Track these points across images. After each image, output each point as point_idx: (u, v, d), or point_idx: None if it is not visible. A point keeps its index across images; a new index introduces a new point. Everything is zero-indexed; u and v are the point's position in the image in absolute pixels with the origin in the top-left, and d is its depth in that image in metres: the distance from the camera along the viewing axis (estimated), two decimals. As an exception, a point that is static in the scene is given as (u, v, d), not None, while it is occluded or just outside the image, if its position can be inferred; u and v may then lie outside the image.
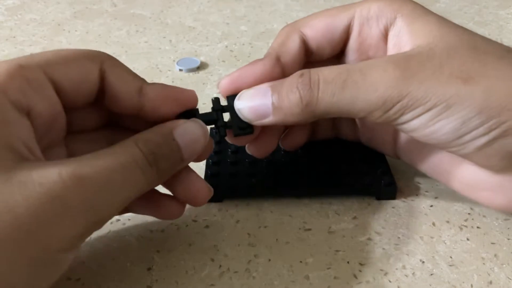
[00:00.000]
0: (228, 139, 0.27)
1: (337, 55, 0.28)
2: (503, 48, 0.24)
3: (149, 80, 0.24)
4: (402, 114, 0.23)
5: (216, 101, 0.26)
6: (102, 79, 0.23)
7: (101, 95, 0.23)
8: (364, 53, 0.27)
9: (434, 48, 0.23)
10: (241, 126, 0.25)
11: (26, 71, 0.20)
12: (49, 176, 0.18)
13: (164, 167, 0.22)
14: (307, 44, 0.27)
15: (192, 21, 0.56)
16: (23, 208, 0.17)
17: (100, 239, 0.27)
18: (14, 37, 0.52)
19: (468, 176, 0.26)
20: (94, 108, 0.24)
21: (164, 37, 0.52)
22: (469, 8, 0.57)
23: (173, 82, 0.43)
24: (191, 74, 0.45)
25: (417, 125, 0.23)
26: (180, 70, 0.45)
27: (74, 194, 0.18)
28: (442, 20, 0.25)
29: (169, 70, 0.45)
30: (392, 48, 0.26)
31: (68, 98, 0.22)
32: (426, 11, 0.25)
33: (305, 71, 0.24)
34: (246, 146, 0.28)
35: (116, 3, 0.61)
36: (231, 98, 0.26)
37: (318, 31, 0.27)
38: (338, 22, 0.27)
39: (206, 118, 0.25)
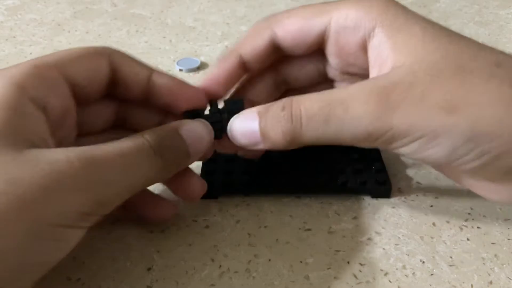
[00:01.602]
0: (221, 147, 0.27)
1: (314, 55, 0.28)
2: (491, 60, 0.22)
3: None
4: (390, 144, 0.23)
5: (214, 103, 0.27)
6: (113, 70, 0.24)
7: (112, 88, 0.25)
8: (344, 59, 0.27)
9: (416, 71, 0.22)
10: None
11: (42, 70, 0.22)
12: (56, 156, 0.19)
13: (170, 158, 0.23)
14: (277, 42, 0.27)
15: (192, 21, 0.56)
16: (27, 182, 0.18)
17: (100, 239, 0.27)
18: (14, 37, 0.52)
19: (470, 180, 0.25)
20: (104, 105, 0.26)
21: (164, 37, 0.52)
22: (469, 8, 0.57)
23: (173, 82, 0.43)
24: (191, 74, 0.45)
25: (408, 152, 0.23)
26: (180, 70, 0.45)
27: (80, 173, 0.19)
28: (426, 31, 0.23)
29: (169, 70, 0.45)
30: (374, 62, 0.25)
31: (81, 92, 0.24)
32: (408, 18, 0.24)
33: (286, 103, 0.23)
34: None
35: (116, 3, 0.61)
36: (228, 102, 0.27)
37: (289, 32, 0.27)
38: (312, 27, 0.26)
39: (212, 120, 0.26)
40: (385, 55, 0.24)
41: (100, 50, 0.24)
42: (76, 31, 0.54)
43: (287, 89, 0.30)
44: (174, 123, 0.24)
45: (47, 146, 0.21)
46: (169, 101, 0.26)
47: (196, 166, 0.32)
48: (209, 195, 0.30)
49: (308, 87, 0.29)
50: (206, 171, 0.30)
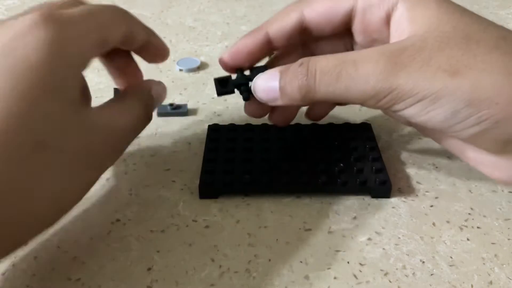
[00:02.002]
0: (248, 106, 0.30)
1: (341, 34, 0.29)
2: (499, 34, 0.24)
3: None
4: (394, 104, 0.24)
5: (240, 71, 0.29)
6: (128, 29, 0.27)
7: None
8: (369, 36, 0.28)
9: (427, 38, 0.24)
10: None
11: (88, 31, 0.24)
12: (107, 118, 0.25)
13: (151, 115, 0.29)
14: (305, 23, 0.28)
15: (192, 21, 0.56)
16: (89, 140, 0.23)
17: (101, 239, 0.27)
18: (14, 37, 0.52)
19: (471, 152, 0.26)
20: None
21: (164, 37, 0.51)
22: (469, 8, 0.57)
23: (173, 82, 0.43)
24: (191, 74, 0.45)
25: (410, 114, 0.24)
26: (180, 70, 0.45)
27: (115, 132, 0.26)
28: (441, 5, 0.25)
29: (169, 70, 0.45)
30: (394, 33, 0.26)
31: (104, 49, 0.26)
32: None
33: (305, 60, 0.25)
34: (268, 115, 0.31)
35: (116, 3, 0.61)
36: (253, 68, 0.29)
37: (318, 13, 0.28)
38: (340, 7, 0.27)
39: (238, 82, 0.29)
40: (404, 27, 0.25)
41: (122, 15, 0.28)
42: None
43: None
44: (148, 84, 0.29)
45: (84, 100, 0.25)
46: (152, 58, 0.30)
47: (197, 166, 0.32)
48: (210, 194, 0.30)
49: None
50: (206, 171, 0.30)
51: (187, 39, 0.51)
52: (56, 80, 0.21)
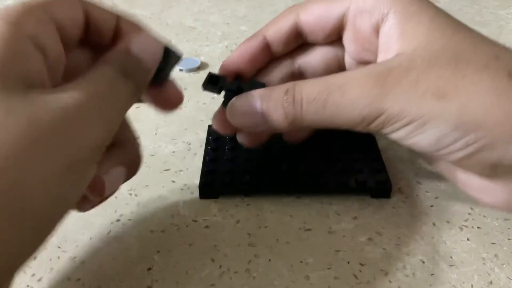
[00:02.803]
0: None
1: (333, 43, 0.29)
2: (491, 53, 0.23)
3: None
4: (382, 128, 0.24)
5: (238, 78, 0.28)
6: (86, 15, 0.23)
7: (85, 35, 0.24)
8: (360, 45, 0.27)
9: (415, 58, 0.23)
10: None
11: (31, 9, 0.21)
12: (64, 93, 0.19)
13: (139, 77, 0.23)
14: (300, 26, 0.28)
15: (192, 21, 0.56)
16: (46, 121, 0.18)
17: (101, 239, 0.27)
18: (14, 37, 0.52)
19: (461, 176, 0.26)
20: (82, 51, 0.25)
21: (165, 37, 0.52)
22: (469, 8, 0.57)
23: (173, 82, 0.43)
24: (191, 74, 0.45)
25: (398, 137, 0.24)
26: (180, 70, 0.45)
27: (88, 106, 0.20)
28: (434, 20, 0.24)
29: (169, 70, 0.45)
30: (382, 46, 0.25)
31: (65, 36, 0.22)
32: (421, 6, 0.25)
33: (290, 87, 0.24)
34: (237, 134, 0.29)
35: (117, 3, 0.61)
36: (251, 80, 0.28)
37: (312, 16, 0.27)
38: (333, 11, 0.27)
39: (229, 87, 0.27)
40: (393, 41, 0.25)
41: None
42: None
43: None
44: (123, 43, 0.23)
45: (40, 84, 0.20)
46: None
47: (197, 166, 0.32)
48: (210, 194, 0.30)
49: None
50: (206, 171, 0.30)
51: (187, 39, 0.51)
52: None
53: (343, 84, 0.23)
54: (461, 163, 0.24)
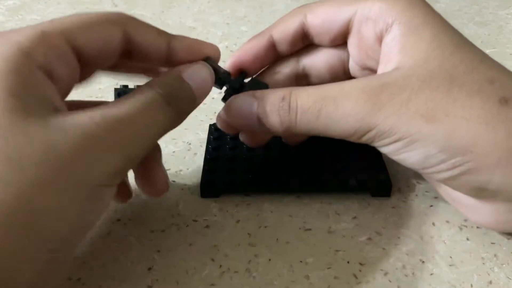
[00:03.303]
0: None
1: (339, 47, 0.29)
2: (486, 76, 0.23)
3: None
4: (372, 142, 0.24)
5: (242, 74, 0.28)
6: (127, 41, 0.23)
7: (126, 57, 0.24)
8: (363, 52, 0.27)
9: (410, 76, 0.23)
10: None
11: (48, 37, 0.20)
12: (82, 119, 0.19)
13: (181, 106, 0.23)
14: (307, 28, 0.28)
15: (192, 21, 0.56)
16: (64, 148, 0.18)
17: (101, 239, 0.27)
18: (14, 37, 0.52)
19: (452, 193, 0.26)
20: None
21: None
22: (469, 8, 0.57)
23: (173, 82, 0.43)
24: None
25: (388, 152, 0.24)
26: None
27: (107, 132, 0.20)
28: (436, 37, 0.24)
29: (170, 71, 0.45)
30: (383, 57, 0.26)
31: (90, 62, 0.23)
32: (426, 20, 0.24)
33: (286, 94, 0.25)
34: (240, 134, 0.29)
35: (117, 3, 0.61)
36: (254, 80, 0.28)
37: (319, 19, 0.27)
38: (339, 15, 0.27)
39: (231, 84, 0.27)
40: (393, 53, 0.25)
41: (113, 17, 0.23)
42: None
43: (307, 85, 0.30)
44: (176, 69, 0.24)
45: (55, 109, 0.20)
46: (190, 60, 0.25)
47: (197, 166, 0.32)
48: (211, 193, 0.30)
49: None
50: (207, 170, 0.30)
51: (187, 39, 0.51)
52: None
53: (338, 96, 0.24)
54: (447, 183, 0.25)
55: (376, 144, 0.24)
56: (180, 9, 0.59)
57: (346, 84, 0.24)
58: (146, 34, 0.24)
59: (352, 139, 0.24)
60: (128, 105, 0.21)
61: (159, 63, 0.25)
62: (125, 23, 0.23)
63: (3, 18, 0.57)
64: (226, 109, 0.26)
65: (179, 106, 0.23)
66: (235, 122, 0.27)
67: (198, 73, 0.24)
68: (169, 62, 0.25)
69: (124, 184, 0.28)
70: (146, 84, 0.23)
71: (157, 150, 0.27)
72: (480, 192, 0.23)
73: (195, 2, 0.61)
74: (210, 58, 0.26)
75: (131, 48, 0.23)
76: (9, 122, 0.18)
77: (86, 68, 0.23)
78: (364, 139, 0.24)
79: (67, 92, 0.23)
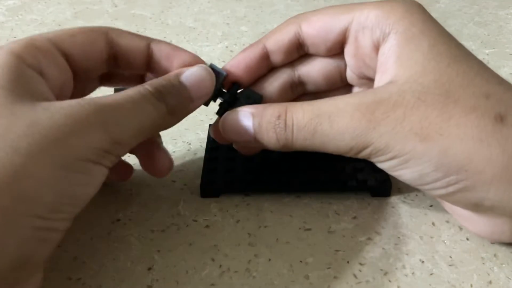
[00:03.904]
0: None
1: (335, 56, 0.28)
2: (481, 91, 0.23)
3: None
4: (369, 158, 0.24)
5: (235, 86, 0.28)
6: (111, 46, 0.25)
7: (113, 65, 0.26)
8: (360, 60, 0.27)
9: (405, 92, 0.23)
10: None
11: (37, 42, 0.23)
12: (68, 103, 0.21)
13: (172, 102, 0.24)
14: (302, 38, 0.28)
15: (192, 21, 0.56)
16: (46, 123, 0.20)
17: (101, 239, 0.27)
18: (15, 37, 0.53)
19: (445, 202, 0.26)
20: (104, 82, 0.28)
21: (165, 38, 0.52)
22: (469, 8, 0.57)
23: (173, 82, 0.43)
24: (191, 74, 0.45)
25: (384, 168, 0.25)
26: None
27: (93, 113, 0.21)
28: (433, 48, 0.24)
29: (170, 71, 0.45)
30: (380, 66, 0.25)
31: (79, 66, 0.25)
32: (423, 30, 0.24)
33: (281, 111, 0.25)
34: (234, 143, 0.29)
35: (117, 3, 0.61)
36: (248, 90, 0.28)
37: (314, 29, 0.27)
38: (335, 24, 0.27)
39: (224, 97, 0.27)
40: (390, 64, 0.24)
41: (95, 28, 0.26)
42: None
43: (303, 94, 0.30)
44: (175, 71, 0.26)
45: (42, 98, 0.22)
46: (168, 68, 0.27)
47: (197, 166, 0.32)
48: (211, 193, 0.30)
49: (327, 92, 0.30)
50: (207, 170, 0.30)
51: (187, 39, 0.51)
52: None
53: (332, 113, 0.24)
54: (444, 198, 0.25)
55: (373, 160, 0.25)
56: (180, 9, 0.59)
57: (341, 100, 0.24)
58: (127, 37, 0.26)
59: (350, 155, 0.25)
60: (117, 96, 0.22)
61: (142, 66, 0.26)
62: (107, 31, 0.26)
63: (3, 18, 0.57)
64: (221, 125, 0.26)
65: (171, 103, 0.24)
66: (230, 138, 0.27)
67: (195, 74, 0.25)
68: (151, 67, 0.26)
69: (122, 162, 0.29)
70: (139, 85, 0.24)
71: (155, 136, 0.28)
72: (476, 207, 0.24)
73: (195, 2, 0.61)
74: (214, 65, 0.27)
75: (115, 52, 0.26)
76: None
77: (79, 73, 0.25)
78: (362, 155, 0.24)
79: (60, 91, 0.24)
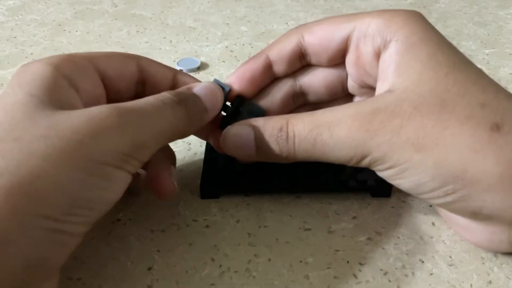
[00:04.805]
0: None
1: (338, 66, 0.28)
2: (478, 100, 0.23)
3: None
4: (370, 167, 0.25)
5: (238, 99, 0.28)
6: (141, 71, 0.27)
7: (141, 89, 0.27)
8: (361, 69, 0.27)
9: (402, 101, 0.23)
10: None
11: (74, 58, 0.24)
12: (91, 109, 0.21)
13: (191, 108, 0.25)
14: (304, 48, 0.28)
15: (192, 21, 0.56)
16: (65, 127, 0.20)
17: (101, 239, 0.27)
18: (15, 37, 0.53)
19: (446, 211, 0.26)
20: None
21: (165, 38, 0.52)
22: (468, 8, 0.57)
23: (173, 82, 0.43)
24: (191, 74, 0.45)
25: (384, 176, 0.25)
26: (181, 70, 0.45)
27: (114, 117, 0.21)
28: (432, 57, 0.24)
29: (170, 71, 0.45)
30: (380, 74, 0.26)
31: (112, 84, 0.26)
32: (423, 39, 0.24)
33: (283, 124, 0.25)
34: None
35: (117, 3, 0.61)
36: (251, 103, 0.28)
37: (316, 38, 0.27)
38: (337, 33, 0.27)
39: (227, 111, 0.28)
40: (389, 72, 0.25)
41: (128, 54, 0.27)
42: (76, 31, 0.54)
43: (304, 104, 0.30)
44: (186, 86, 0.27)
45: (70, 107, 0.22)
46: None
47: (197, 167, 0.32)
48: (211, 195, 0.30)
49: (328, 102, 0.30)
50: (207, 171, 0.30)
51: (187, 39, 0.51)
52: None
53: (332, 124, 0.24)
54: (443, 207, 0.25)
55: (374, 169, 0.25)
56: (180, 9, 0.59)
57: (339, 110, 0.24)
58: (157, 67, 0.28)
59: (352, 164, 0.25)
60: (137, 101, 0.23)
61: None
62: (138, 57, 0.27)
63: (3, 18, 0.57)
64: (223, 140, 0.27)
65: (189, 107, 0.25)
66: (232, 152, 0.27)
67: (206, 87, 0.26)
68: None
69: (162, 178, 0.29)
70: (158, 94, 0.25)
71: (168, 157, 0.29)
72: (475, 216, 0.24)
73: (195, 2, 0.61)
74: (217, 80, 0.27)
75: (145, 78, 0.27)
76: (21, 113, 0.20)
77: (111, 92, 0.26)
78: (363, 164, 0.24)
79: (91, 104, 0.24)
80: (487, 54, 0.47)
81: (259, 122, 0.26)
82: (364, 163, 0.24)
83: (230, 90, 0.28)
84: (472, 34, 0.51)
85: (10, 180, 0.18)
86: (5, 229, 0.18)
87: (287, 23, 0.55)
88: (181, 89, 0.26)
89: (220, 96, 0.27)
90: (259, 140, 0.26)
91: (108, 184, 0.21)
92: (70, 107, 0.22)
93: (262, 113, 0.28)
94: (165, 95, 0.24)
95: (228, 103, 0.28)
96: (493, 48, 0.48)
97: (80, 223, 0.21)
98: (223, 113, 0.28)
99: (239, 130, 0.26)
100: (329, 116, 0.24)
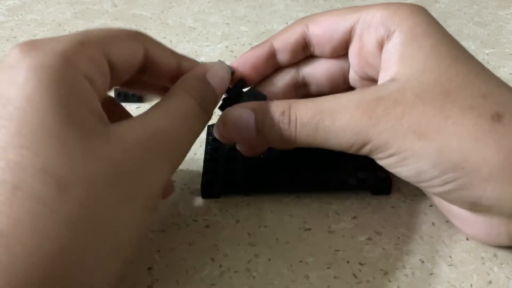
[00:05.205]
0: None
1: (341, 58, 0.29)
2: (480, 91, 0.23)
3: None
4: (370, 154, 0.25)
5: (240, 83, 0.28)
6: (146, 56, 0.25)
7: (140, 73, 0.25)
8: (364, 59, 0.27)
9: (405, 90, 0.23)
10: None
11: (88, 48, 0.21)
12: (136, 132, 0.21)
13: (211, 109, 0.25)
14: (308, 38, 0.28)
15: (192, 21, 0.56)
16: (124, 162, 0.19)
17: (101, 239, 0.27)
18: (15, 37, 0.53)
19: (445, 203, 0.26)
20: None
21: (165, 38, 0.52)
22: (468, 8, 0.57)
23: (173, 82, 0.43)
24: (191, 74, 0.45)
25: (384, 165, 0.25)
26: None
27: (158, 144, 0.21)
28: (435, 48, 0.24)
29: (170, 71, 0.45)
30: (383, 64, 0.26)
31: (117, 75, 0.24)
32: (427, 30, 0.25)
33: (285, 107, 0.25)
34: (237, 144, 0.29)
35: (117, 3, 0.61)
36: (253, 89, 0.28)
37: (320, 28, 0.28)
38: (342, 24, 0.27)
39: (228, 94, 0.28)
40: (392, 62, 0.25)
41: (135, 34, 0.24)
42: (76, 31, 0.54)
43: (305, 95, 0.30)
44: (200, 69, 0.26)
45: (105, 121, 0.21)
46: None
47: (197, 166, 0.32)
48: (211, 194, 0.30)
49: (329, 95, 0.30)
50: (207, 171, 0.30)
51: (187, 39, 0.51)
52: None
53: (334, 110, 0.24)
54: (442, 196, 0.25)
55: (373, 157, 0.25)
56: (180, 9, 0.59)
57: (343, 97, 0.25)
58: (162, 52, 0.25)
59: (352, 152, 0.25)
60: (171, 114, 0.22)
61: (168, 80, 0.26)
62: (145, 40, 0.25)
63: (3, 18, 0.57)
64: (222, 122, 0.26)
65: (210, 110, 0.25)
66: (232, 135, 0.27)
67: (218, 73, 0.26)
68: (176, 79, 0.26)
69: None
70: (181, 88, 0.24)
71: None
72: (474, 207, 0.24)
73: (195, 2, 0.61)
74: (221, 61, 0.27)
75: (147, 64, 0.25)
76: (64, 136, 0.18)
77: (113, 79, 0.24)
78: (362, 152, 0.25)
79: (102, 100, 0.23)
80: (487, 54, 0.47)
81: (260, 105, 0.26)
82: (365, 151, 0.24)
83: (234, 72, 0.28)
84: (472, 34, 0.51)
85: (76, 224, 0.18)
86: (82, 269, 0.18)
87: (287, 23, 0.55)
88: (200, 82, 0.25)
89: (228, 80, 0.27)
90: (260, 123, 0.25)
91: (155, 213, 0.22)
92: (97, 115, 0.20)
93: (264, 98, 0.28)
94: (193, 104, 0.23)
95: (230, 87, 0.28)
96: (493, 48, 0.48)
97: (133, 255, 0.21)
98: (224, 95, 0.28)
99: (239, 112, 0.26)
100: (332, 102, 0.25)
